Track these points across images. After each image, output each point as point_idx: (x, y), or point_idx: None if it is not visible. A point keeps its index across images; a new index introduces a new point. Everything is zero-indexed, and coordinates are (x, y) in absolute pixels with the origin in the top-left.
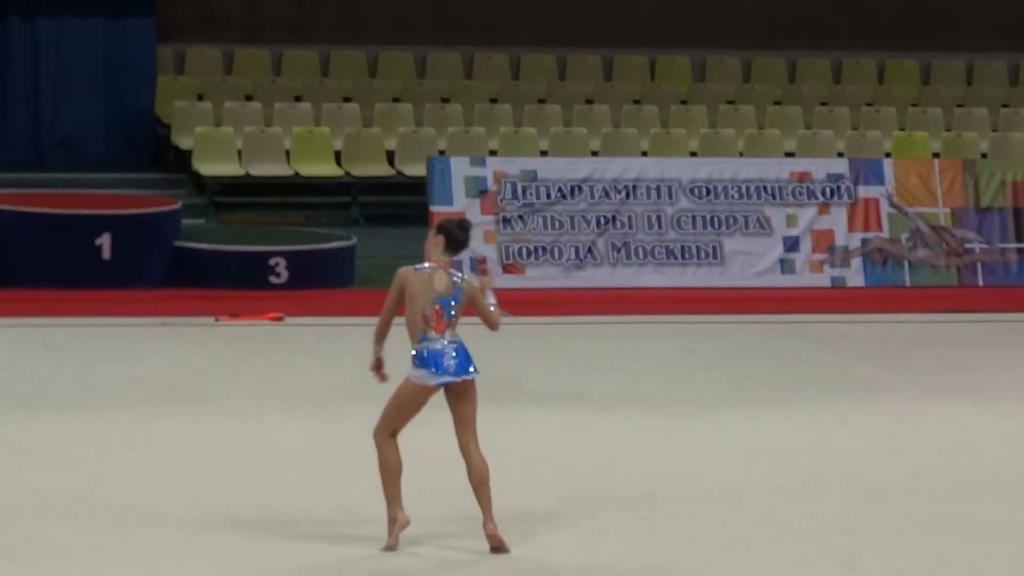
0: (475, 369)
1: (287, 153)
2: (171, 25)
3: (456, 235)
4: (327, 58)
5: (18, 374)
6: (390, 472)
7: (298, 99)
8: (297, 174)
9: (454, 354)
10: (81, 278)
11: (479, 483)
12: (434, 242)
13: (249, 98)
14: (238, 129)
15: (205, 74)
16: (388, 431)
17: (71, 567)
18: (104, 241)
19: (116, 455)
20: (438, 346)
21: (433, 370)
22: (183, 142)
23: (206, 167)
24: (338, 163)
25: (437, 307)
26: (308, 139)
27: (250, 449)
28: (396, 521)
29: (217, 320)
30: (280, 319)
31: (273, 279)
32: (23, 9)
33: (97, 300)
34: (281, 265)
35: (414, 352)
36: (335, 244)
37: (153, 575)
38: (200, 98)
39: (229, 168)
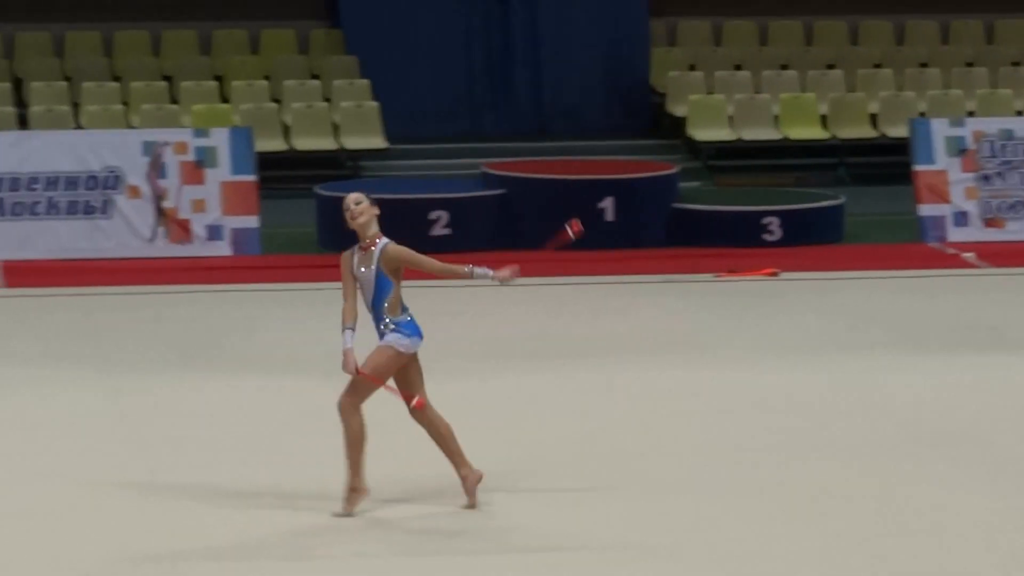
0: None
1: (775, 118)
2: (663, 1)
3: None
4: (810, 28)
5: (530, 329)
6: (356, 442)
7: (784, 67)
8: (786, 138)
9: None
10: (586, 240)
11: (449, 435)
12: (372, 213)
13: (738, 67)
14: (729, 96)
15: (695, 45)
16: (359, 401)
17: (612, 503)
18: (607, 204)
19: (616, 404)
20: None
21: (418, 338)
22: (677, 110)
23: (700, 133)
24: (824, 126)
25: None
26: (795, 104)
27: (745, 395)
28: (357, 491)
29: (717, 276)
30: (775, 275)
31: (767, 237)
32: None
33: (601, 260)
34: (775, 224)
35: (409, 319)
36: (826, 203)
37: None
38: (692, 68)
39: (721, 133)
